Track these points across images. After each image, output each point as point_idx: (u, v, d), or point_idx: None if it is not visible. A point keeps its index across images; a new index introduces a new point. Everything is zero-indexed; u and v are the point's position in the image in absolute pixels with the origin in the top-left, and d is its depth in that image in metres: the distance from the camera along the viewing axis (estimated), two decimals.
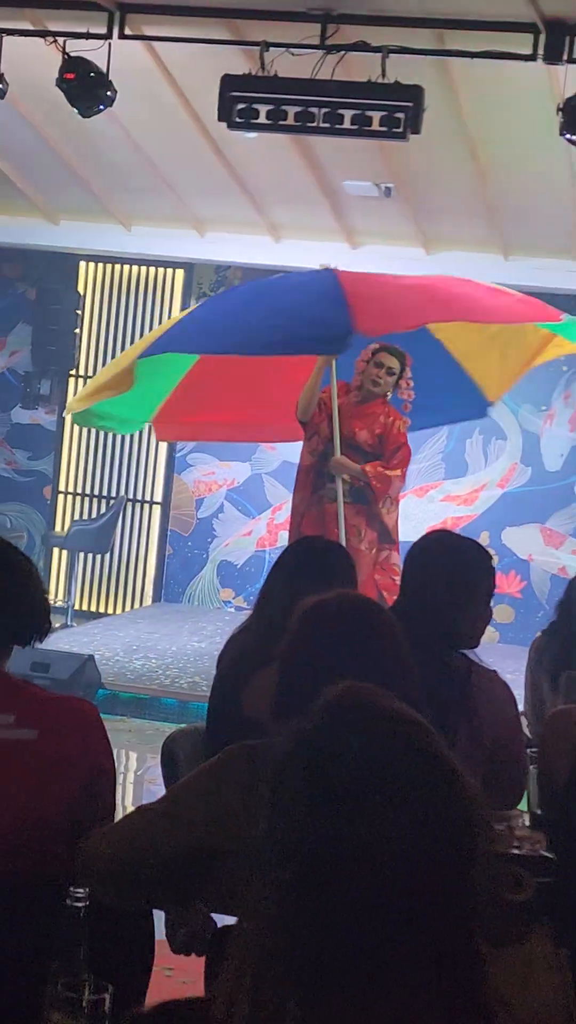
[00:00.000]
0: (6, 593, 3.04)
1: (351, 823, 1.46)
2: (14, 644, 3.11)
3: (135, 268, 13.56)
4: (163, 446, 13.59)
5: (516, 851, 3.16)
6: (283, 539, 13.10)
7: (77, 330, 13.50)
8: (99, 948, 2.38)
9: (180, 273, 13.42)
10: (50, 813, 2.93)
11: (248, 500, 13.45)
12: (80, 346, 13.61)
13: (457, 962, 1.51)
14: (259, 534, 13.43)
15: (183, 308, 12.80)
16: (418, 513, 12.60)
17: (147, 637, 11.38)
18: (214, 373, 9.31)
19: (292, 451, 12.63)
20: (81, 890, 2.39)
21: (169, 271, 13.44)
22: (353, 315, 8.06)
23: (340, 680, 2.63)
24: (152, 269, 13.46)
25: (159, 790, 4.29)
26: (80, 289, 13.60)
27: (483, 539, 12.20)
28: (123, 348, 12.79)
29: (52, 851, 2.92)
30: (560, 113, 8.21)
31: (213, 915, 3.19)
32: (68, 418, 13.52)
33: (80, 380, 13.61)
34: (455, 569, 3.73)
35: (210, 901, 3.10)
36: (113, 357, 12.71)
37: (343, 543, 8.90)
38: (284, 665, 2.71)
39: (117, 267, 13.60)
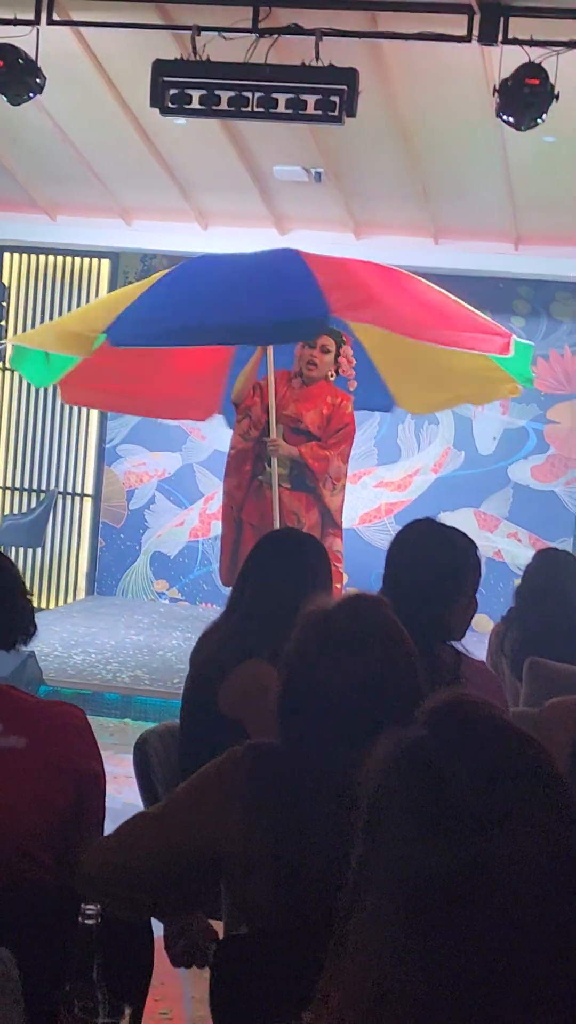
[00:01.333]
0: None
1: (471, 847, 1.34)
2: None
3: (60, 259, 13.39)
4: (92, 438, 13.46)
5: None
6: (216, 528, 13.00)
7: (3, 322, 13.31)
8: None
9: (106, 263, 13.28)
10: (41, 822, 2.83)
11: (179, 490, 13.34)
12: (6, 338, 13.41)
13: None
14: (192, 524, 13.33)
15: None
16: (352, 499, 12.51)
17: (84, 631, 11.25)
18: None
19: (223, 440, 12.50)
20: (92, 907, 2.28)
21: (95, 261, 13.29)
22: (327, 300, 7.93)
23: (348, 682, 2.56)
24: (78, 259, 13.31)
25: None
26: (4, 280, 13.42)
27: None
28: None
29: (42, 861, 2.83)
30: (496, 95, 8.15)
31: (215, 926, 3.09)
32: None
33: (5, 373, 13.44)
34: (441, 559, 3.65)
35: (215, 910, 3.02)
36: None
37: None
38: (289, 667, 2.62)
39: (42, 257, 13.42)
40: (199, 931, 2.97)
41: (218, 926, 3.19)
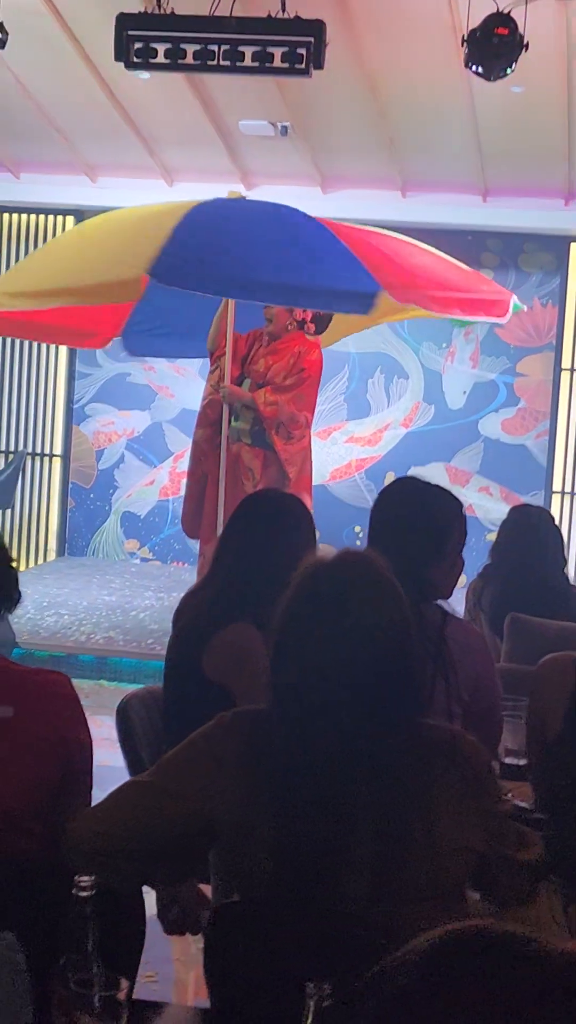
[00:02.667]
0: None
1: None
2: None
3: (23, 216, 13.24)
4: (60, 398, 13.37)
5: (521, 804, 3.08)
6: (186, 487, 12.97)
7: None
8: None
9: (71, 220, 13.12)
10: (29, 792, 2.79)
11: (148, 449, 13.26)
12: None
13: None
14: (161, 483, 13.27)
15: None
16: (322, 455, 12.50)
17: (56, 593, 11.19)
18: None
19: (192, 398, 12.50)
20: (87, 878, 2.24)
21: (60, 219, 13.14)
22: (376, 277, 7.87)
23: (341, 642, 2.52)
24: (42, 217, 13.16)
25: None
26: None
27: (389, 480, 12.14)
28: None
29: (32, 832, 2.79)
30: (465, 44, 8.07)
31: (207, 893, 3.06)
32: None
33: None
34: (426, 517, 3.62)
35: (206, 876, 2.98)
36: None
37: (222, 483, 8.83)
38: (280, 628, 2.57)
39: (5, 216, 13.27)
40: (191, 898, 2.94)
41: (206, 889, 3.17)
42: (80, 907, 2.24)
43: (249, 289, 8.11)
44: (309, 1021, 1.94)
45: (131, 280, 8.00)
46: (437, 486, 3.80)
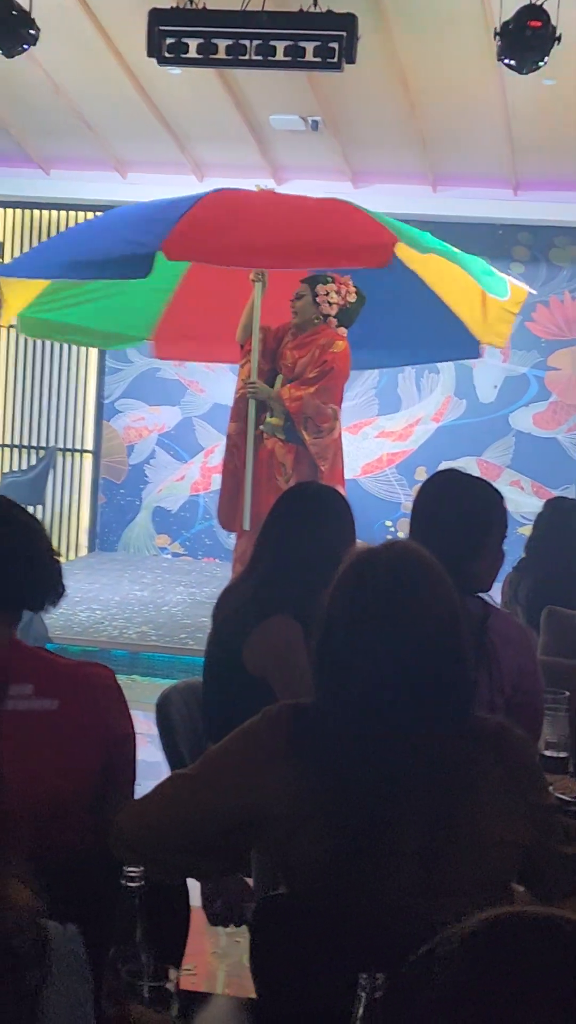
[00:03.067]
0: (15, 555, 2.88)
1: None
2: (26, 609, 2.96)
3: (55, 213, 13.28)
4: (91, 393, 13.40)
5: (563, 797, 3.07)
6: (217, 482, 12.97)
7: None
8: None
9: None
10: (75, 783, 2.79)
11: (179, 444, 13.28)
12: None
13: None
14: (192, 478, 13.28)
15: None
16: (353, 450, 12.50)
17: (88, 588, 11.22)
18: (200, 293, 9.42)
19: (222, 393, 12.50)
20: (135, 870, 2.25)
21: (90, 215, 13.15)
22: (168, 235, 7.99)
23: (387, 638, 2.52)
24: (73, 214, 13.18)
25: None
26: None
27: (420, 474, 12.15)
28: None
29: (78, 822, 2.79)
30: (497, 37, 8.06)
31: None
32: None
33: (2, 330, 13.36)
34: (467, 510, 3.62)
35: (252, 871, 2.99)
36: None
37: (249, 478, 8.90)
38: (328, 619, 2.56)
39: (36, 213, 13.31)
40: (236, 890, 2.94)
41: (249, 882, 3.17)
42: (129, 898, 2.24)
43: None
44: (360, 1013, 1.94)
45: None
46: (478, 478, 3.81)
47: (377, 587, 2.51)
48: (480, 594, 3.64)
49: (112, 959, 2.21)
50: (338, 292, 8.99)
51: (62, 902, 2.14)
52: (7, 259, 13.16)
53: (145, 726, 4.23)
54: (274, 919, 2.55)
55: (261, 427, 9.14)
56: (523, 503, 11.96)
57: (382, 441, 12.85)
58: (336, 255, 8.28)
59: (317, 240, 8.28)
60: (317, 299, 9.02)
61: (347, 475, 9.73)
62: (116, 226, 8.70)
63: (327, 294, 9.00)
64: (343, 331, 9.19)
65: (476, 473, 3.95)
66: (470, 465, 12.36)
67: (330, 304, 9.02)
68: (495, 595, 5.18)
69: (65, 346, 13.30)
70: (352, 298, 9.04)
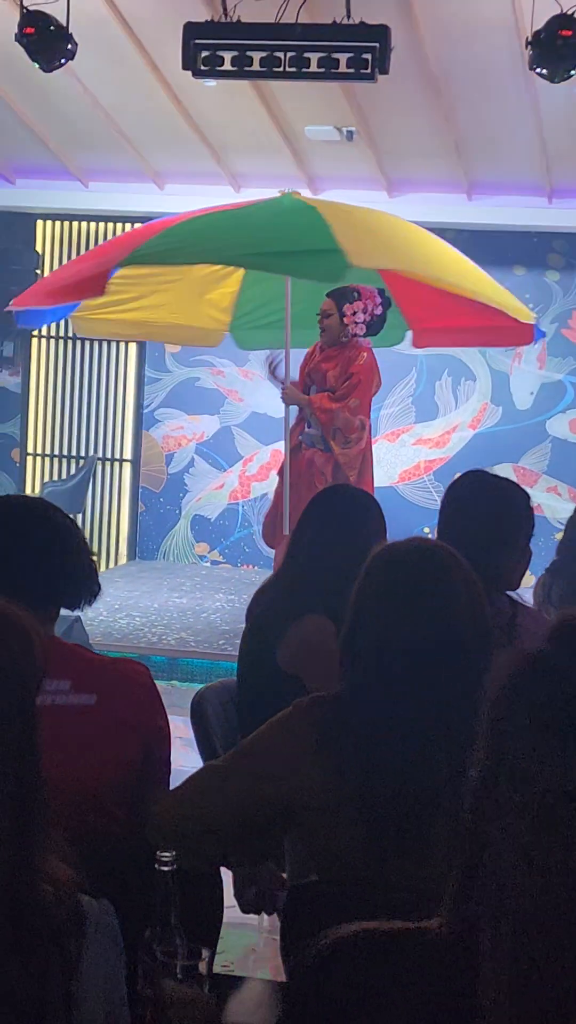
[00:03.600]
0: (50, 554, 2.97)
1: None
2: (62, 608, 3.05)
3: (93, 225, 13.41)
4: (130, 402, 13.49)
5: None
6: (256, 490, 13.08)
7: None
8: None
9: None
10: (111, 777, 2.88)
11: (218, 453, 13.37)
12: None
13: None
14: (231, 487, 13.37)
15: None
16: (390, 457, 12.59)
17: (127, 595, 11.31)
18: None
19: (261, 402, 12.61)
20: (168, 854, 2.33)
21: (128, 226, 13.25)
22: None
23: (416, 625, 2.59)
24: (111, 225, 13.31)
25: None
26: (38, 248, 13.43)
27: None
28: None
29: (115, 815, 2.88)
30: (529, 47, 8.12)
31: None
32: (33, 378, 13.46)
33: (43, 340, 13.49)
34: (495, 510, 3.69)
35: (283, 859, 3.06)
36: None
37: (287, 485, 9.00)
38: (355, 610, 2.64)
39: (75, 224, 13.44)
40: (268, 879, 3.02)
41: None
42: (163, 880, 2.33)
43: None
44: None
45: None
46: (505, 478, 3.88)
47: (402, 579, 2.58)
48: (509, 593, 3.70)
49: (147, 940, 2.30)
50: (364, 310, 9.10)
51: (98, 883, 2.23)
52: (45, 271, 13.29)
53: (183, 731, 4.31)
54: (306, 906, 2.62)
55: (300, 437, 9.26)
56: (560, 509, 12.00)
57: (419, 448, 12.90)
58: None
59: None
60: (344, 320, 9.14)
61: (385, 482, 9.81)
62: None
63: (354, 313, 9.12)
64: (368, 341, 9.29)
65: (513, 480, 4.01)
66: (506, 472, 12.36)
67: (357, 323, 9.15)
68: (527, 597, 5.23)
69: (105, 356, 13.42)
70: (379, 311, 9.15)
